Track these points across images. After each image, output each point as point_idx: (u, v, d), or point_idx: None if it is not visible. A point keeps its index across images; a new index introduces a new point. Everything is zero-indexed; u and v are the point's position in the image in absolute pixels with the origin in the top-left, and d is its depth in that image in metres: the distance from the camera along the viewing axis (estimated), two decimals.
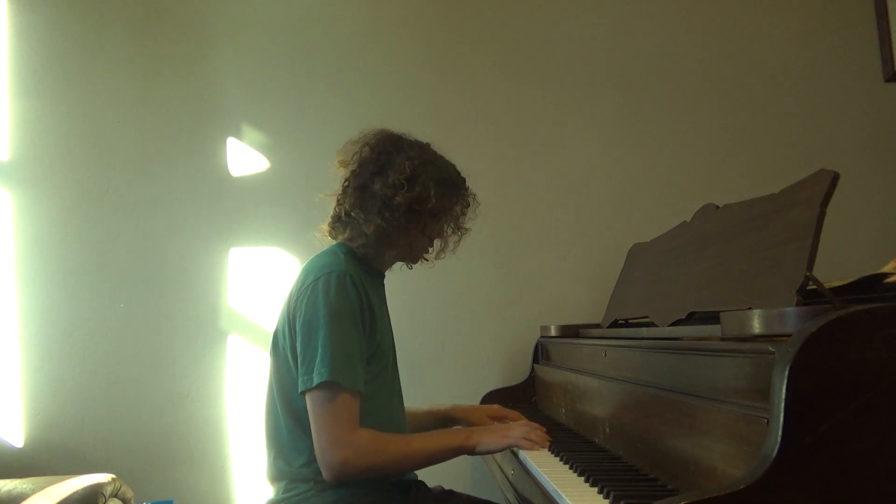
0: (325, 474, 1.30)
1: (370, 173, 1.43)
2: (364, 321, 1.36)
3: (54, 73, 2.45)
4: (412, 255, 1.53)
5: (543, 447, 1.42)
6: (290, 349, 1.38)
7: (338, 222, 1.48)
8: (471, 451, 1.39)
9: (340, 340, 1.31)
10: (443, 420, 1.70)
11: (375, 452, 1.31)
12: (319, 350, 1.30)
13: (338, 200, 1.48)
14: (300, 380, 1.32)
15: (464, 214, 1.52)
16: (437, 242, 1.55)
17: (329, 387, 1.29)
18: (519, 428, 1.45)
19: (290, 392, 1.37)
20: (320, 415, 1.30)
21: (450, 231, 1.53)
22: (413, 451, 1.36)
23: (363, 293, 1.36)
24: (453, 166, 1.51)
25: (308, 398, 1.32)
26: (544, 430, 1.48)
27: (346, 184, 1.46)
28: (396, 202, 1.40)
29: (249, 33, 2.51)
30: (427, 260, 1.58)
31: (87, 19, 2.48)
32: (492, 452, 1.45)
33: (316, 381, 1.28)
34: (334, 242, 1.51)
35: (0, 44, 2.44)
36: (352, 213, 1.43)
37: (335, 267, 1.37)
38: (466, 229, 1.54)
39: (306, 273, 1.40)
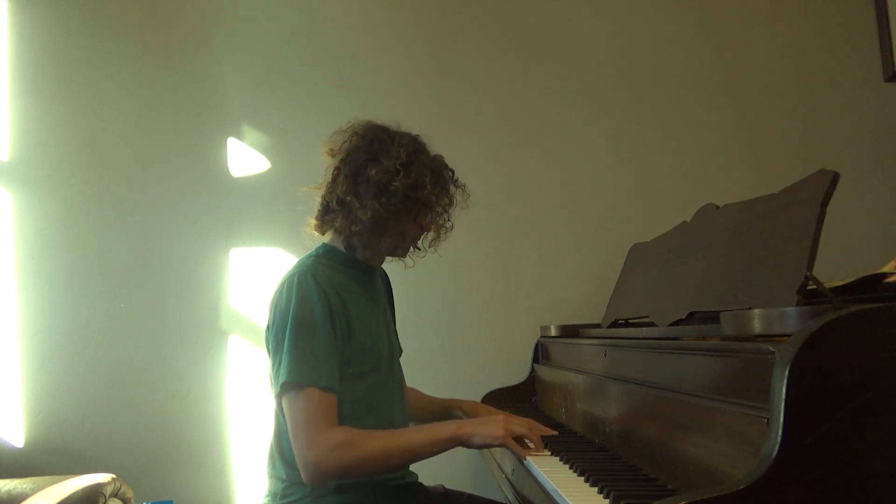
0: (304, 477, 1.27)
1: (362, 160, 1.41)
2: (333, 320, 1.32)
3: (54, 73, 2.45)
4: (404, 245, 1.49)
5: (538, 453, 1.36)
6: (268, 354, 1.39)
7: (327, 213, 1.45)
8: (465, 443, 1.31)
9: (303, 341, 1.29)
10: (450, 415, 1.66)
11: (350, 447, 1.25)
12: (284, 354, 1.29)
13: (327, 189, 1.45)
14: (272, 385, 1.33)
15: (453, 204, 1.50)
16: (429, 233, 1.53)
17: (293, 387, 1.27)
18: (518, 427, 1.35)
19: None
20: (291, 416, 1.28)
21: (441, 221, 1.50)
22: (397, 446, 1.30)
23: (330, 292, 1.33)
24: (442, 157, 1.50)
25: (283, 402, 1.30)
26: (542, 433, 1.41)
27: (337, 172, 1.44)
28: (393, 187, 1.37)
29: (249, 33, 2.51)
30: (419, 249, 1.54)
31: (86, 19, 2.48)
32: (488, 447, 1.37)
33: (280, 382, 1.28)
34: (322, 239, 1.49)
35: (0, 44, 2.44)
36: (346, 199, 1.40)
37: (299, 269, 1.36)
38: (451, 224, 1.52)
39: (280, 280, 1.40)
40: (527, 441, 1.36)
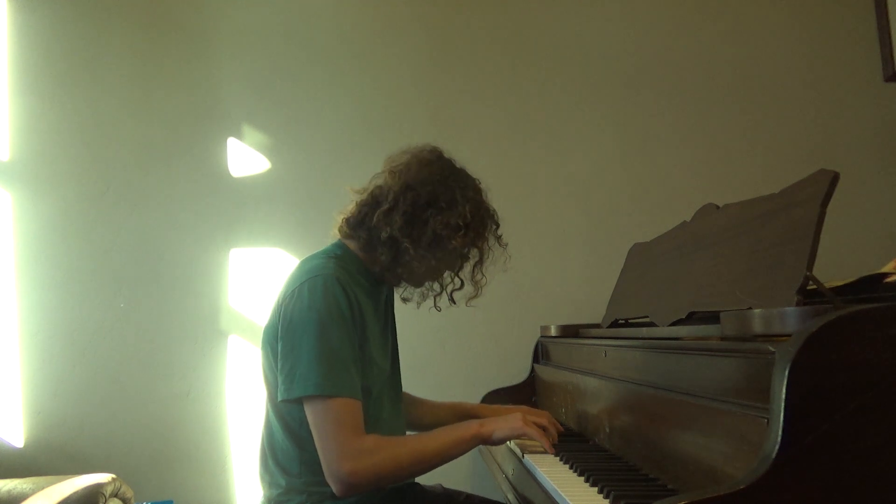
0: (336, 489, 1.24)
1: (423, 202, 1.36)
2: (355, 327, 1.30)
3: (54, 73, 2.45)
4: (436, 291, 1.53)
5: (550, 445, 1.38)
6: (273, 355, 1.33)
7: (361, 228, 1.39)
8: (487, 440, 1.34)
9: (329, 347, 1.25)
10: (467, 417, 1.62)
11: (385, 457, 1.25)
12: (304, 359, 1.24)
13: (378, 215, 1.37)
14: (280, 387, 1.27)
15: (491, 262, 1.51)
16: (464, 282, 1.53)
17: (322, 399, 1.23)
18: (537, 418, 1.40)
19: (276, 397, 1.32)
20: (318, 427, 1.25)
21: (478, 276, 1.50)
22: (425, 450, 1.30)
23: (353, 299, 1.30)
24: (495, 212, 1.49)
25: (307, 411, 1.26)
26: (561, 429, 1.46)
27: (394, 203, 1.37)
28: (452, 246, 1.37)
29: (249, 33, 2.51)
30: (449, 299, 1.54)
31: (87, 19, 2.48)
32: (509, 439, 1.40)
33: (298, 392, 1.23)
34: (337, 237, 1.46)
35: (0, 44, 2.44)
36: (401, 241, 1.35)
37: (322, 270, 1.30)
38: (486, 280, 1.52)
39: (294, 276, 1.35)
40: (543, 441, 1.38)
